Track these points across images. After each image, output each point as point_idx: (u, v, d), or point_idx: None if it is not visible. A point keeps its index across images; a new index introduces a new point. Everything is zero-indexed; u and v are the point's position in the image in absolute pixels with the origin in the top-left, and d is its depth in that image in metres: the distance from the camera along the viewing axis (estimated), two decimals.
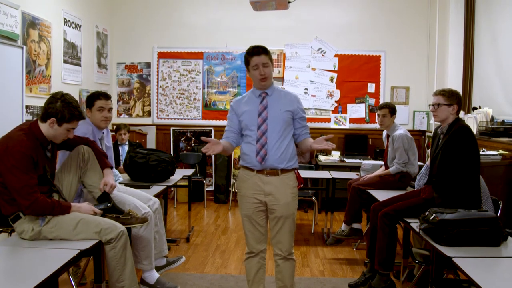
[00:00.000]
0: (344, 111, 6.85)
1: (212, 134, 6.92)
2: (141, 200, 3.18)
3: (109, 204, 2.71)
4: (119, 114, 7.06)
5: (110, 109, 3.29)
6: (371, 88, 6.86)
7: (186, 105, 6.99)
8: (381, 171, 4.35)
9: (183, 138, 7.00)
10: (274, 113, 2.74)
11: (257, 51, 2.71)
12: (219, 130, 6.84)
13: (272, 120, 2.73)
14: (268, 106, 2.75)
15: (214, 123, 6.98)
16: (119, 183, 3.57)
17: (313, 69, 6.82)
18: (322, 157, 6.23)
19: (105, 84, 6.72)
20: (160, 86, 7.02)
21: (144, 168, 4.02)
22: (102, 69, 6.60)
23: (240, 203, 2.89)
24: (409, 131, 4.43)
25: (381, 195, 3.72)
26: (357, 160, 6.03)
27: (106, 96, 3.26)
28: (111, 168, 2.97)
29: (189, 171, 4.98)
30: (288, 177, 2.81)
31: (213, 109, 6.96)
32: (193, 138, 6.99)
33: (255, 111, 2.76)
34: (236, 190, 2.99)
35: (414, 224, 2.83)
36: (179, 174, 4.56)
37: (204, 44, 6.92)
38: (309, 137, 2.84)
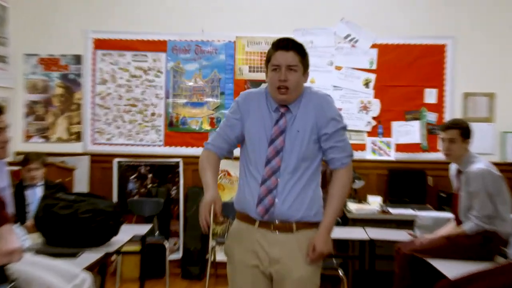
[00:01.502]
0: (387, 132, 6.82)
1: (180, 169, 6.86)
2: (61, 277, 3.14)
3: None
4: (27, 137, 7.01)
5: (4, 129, 3.29)
6: (430, 96, 6.82)
7: (139, 124, 6.97)
8: (449, 229, 4.36)
9: (133, 176, 6.91)
10: (291, 139, 2.88)
11: (284, 44, 2.89)
12: (191, 164, 6.76)
13: (289, 151, 2.87)
14: (287, 130, 2.89)
15: (183, 151, 6.92)
16: (25, 248, 3.51)
17: (338, 68, 6.85)
18: (352, 206, 6.20)
19: (4, 87, 6.63)
20: (98, 93, 6.96)
21: (69, 224, 4.02)
22: None
23: (231, 275, 2.96)
24: (496, 164, 4.42)
25: (451, 269, 3.70)
26: (409, 211, 5.97)
27: None
28: (12, 224, 2.93)
29: (143, 228, 5.00)
30: (308, 236, 2.88)
31: (182, 130, 6.95)
32: (149, 176, 6.90)
33: (263, 134, 2.91)
34: (224, 255, 3.08)
35: None
36: (127, 232, 4.54)
37: (169, 28, 6.91)
38: (343, 166, 2.92)
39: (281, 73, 2.83)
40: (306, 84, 2.98)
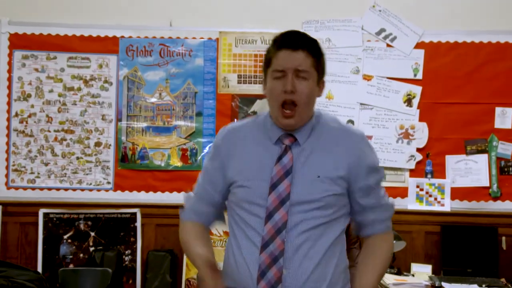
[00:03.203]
0: (440, 172, 6.20)
1: (138, 223, 6.11)
2: None
3: None
4: None
5: None
6: (503, 118, 6.20)
7: (77, 158, 6.28)
8: None
9: (68, 235, 6.21)
10: (302, 183, 2.64)
11: (291, 40, 2.63)
12: (154, 216, 6.14)
13: (299, 202, 2.61)
14: (296, 170, 2.63)
15: (142, 198, 6.20)
16: None
17: (367, 77, 6.31)
18: (389, 278, 5.61)
19: None
20: (17, 114, 6.28)
21: None
22: None
23: None
24: None
25: None
26: None
27: None
28: None
29: None
30: None
31: (140, 167, 6.27)
32: (92, 234, 6.23)
33: (261, 177, 2.65)
34: None
35: None
36: None
37: (121, 19, 6.30)
38: (383, 231, 2.75)
39: (288, 81, 2.54)
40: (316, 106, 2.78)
